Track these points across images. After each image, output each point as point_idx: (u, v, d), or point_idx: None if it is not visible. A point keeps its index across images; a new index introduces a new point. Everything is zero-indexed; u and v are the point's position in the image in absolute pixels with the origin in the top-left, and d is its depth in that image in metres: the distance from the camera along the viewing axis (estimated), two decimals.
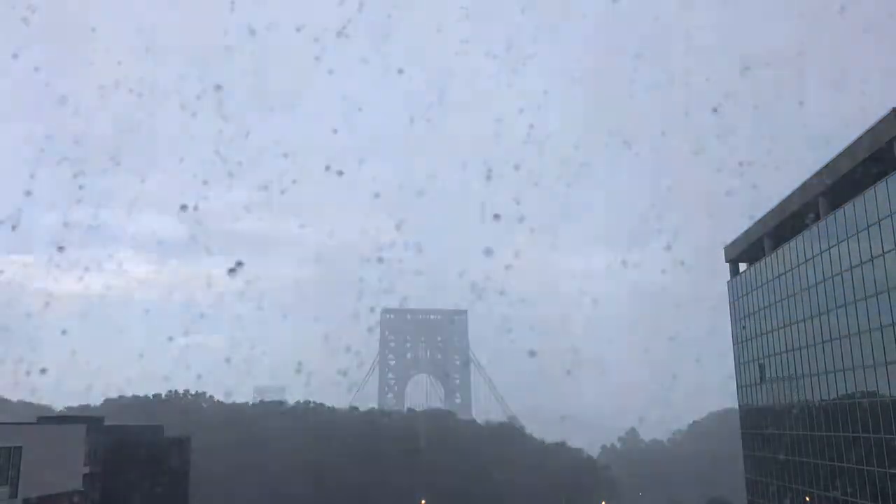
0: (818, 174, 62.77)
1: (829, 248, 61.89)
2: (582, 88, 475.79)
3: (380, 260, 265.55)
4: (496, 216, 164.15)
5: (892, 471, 50.96)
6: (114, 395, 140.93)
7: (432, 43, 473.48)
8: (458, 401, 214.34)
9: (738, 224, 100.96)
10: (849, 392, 58.95)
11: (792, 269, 70.17)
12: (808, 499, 66.11)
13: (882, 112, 51.41)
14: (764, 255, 77.91)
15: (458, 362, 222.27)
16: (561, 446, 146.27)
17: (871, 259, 53.98)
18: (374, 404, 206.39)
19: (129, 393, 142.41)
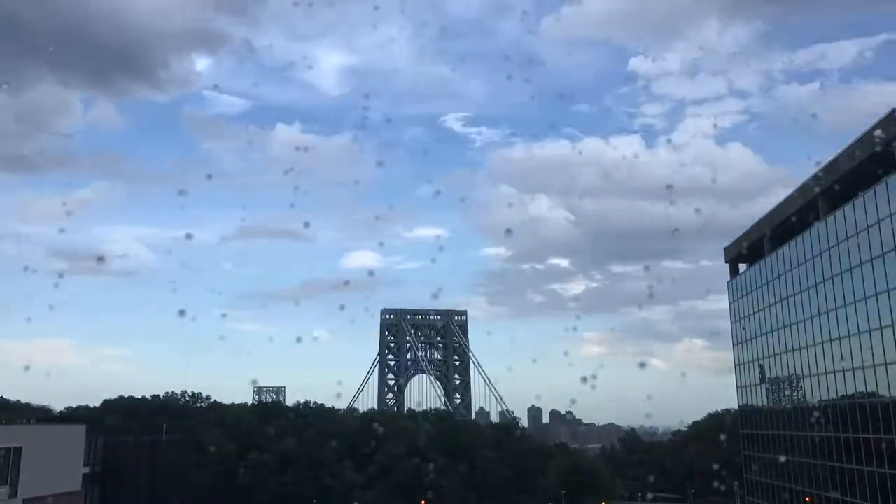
0: (818, 175, 62.73)
1: (829, 249, 61.88)
2: None
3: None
4: (506, 231, 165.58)
5: (892, 471, 50.91)
6: (112, 396, 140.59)
7: None
8: (458, 401, 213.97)
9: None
10: (849, 392, 58.91)
11: (792, 269, 70.17)
12: (807, 499, 66.07)
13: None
14: (764, 256, 77.89)
15: (458, 362, 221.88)
16: (561, 447, 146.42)
17: (871, 259, 53.95)
18: (373, 405, 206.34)
19: (127, 394, 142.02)
